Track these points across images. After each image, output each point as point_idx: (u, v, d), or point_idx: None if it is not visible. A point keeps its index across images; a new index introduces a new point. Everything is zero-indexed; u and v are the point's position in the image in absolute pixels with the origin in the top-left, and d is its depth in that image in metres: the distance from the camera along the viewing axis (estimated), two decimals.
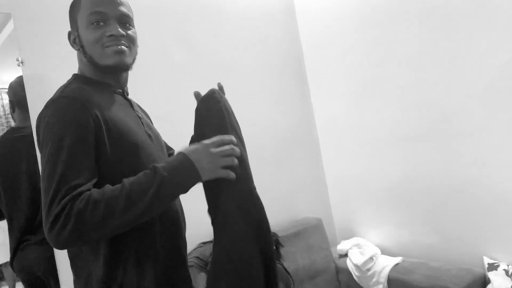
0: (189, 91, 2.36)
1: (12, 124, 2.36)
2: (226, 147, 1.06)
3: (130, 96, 1.29)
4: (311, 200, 2.76)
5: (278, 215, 2.49)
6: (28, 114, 2.12)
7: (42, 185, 0.97)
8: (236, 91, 2.45)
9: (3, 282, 3.74)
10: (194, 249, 2.05)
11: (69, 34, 1.20)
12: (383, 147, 2.44)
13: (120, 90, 1.22)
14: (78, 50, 1.17)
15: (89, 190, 0.95)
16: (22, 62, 1.80)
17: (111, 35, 1.11)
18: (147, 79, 2.13)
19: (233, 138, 1.09)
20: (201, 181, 1.04)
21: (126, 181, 0.98)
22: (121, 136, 1.08)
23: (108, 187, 0.97)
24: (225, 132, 1.12)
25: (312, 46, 2.81)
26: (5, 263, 4.10)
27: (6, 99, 2.27)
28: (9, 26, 2.16)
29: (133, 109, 1.23)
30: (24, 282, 2.15)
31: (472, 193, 2.06)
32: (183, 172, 1.01)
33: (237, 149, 1.08)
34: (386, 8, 2.32)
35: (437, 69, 2.13)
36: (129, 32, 1.16)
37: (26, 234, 2.00)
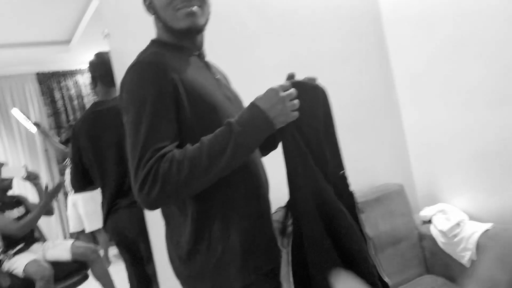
0: (261, 58, 2.33)
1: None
2: (291, 91, 1.09)
3: (207, 59, 1.30)
4: (392, 165, 2.66)
5: (357, 181, 2.39)
6: (110, 88, 2.23)
7: (128, 150, 1.02)
8: (308, 52, 2.44)
9: (98, 246, 4.06)
10: (274, 213, 2.08)
11: None
12: (471, 108, 2.27)
13: (197, 52, 1.24)
14: (153, 14, 1.19)
15: (171, 151, 0.99)
16: (107, 35, 1.87)
17: None
18: (218, 46, 2.14)
19: (290, 83, 1.12)
20: (275, 128, 1.06)
21: (205, 139, 1.01)
22: (200, 98, 1.10)
23: (188, 146, 1.01)
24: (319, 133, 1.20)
25: (391, 2, 2.64)
26: (98, 230, 4.44)
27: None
28: (95, 2, 2.25)
29: (210, 71, 1.24)
30: (117, 244, 2.30)
31: None
32: (257, 123, 1.03)
33: (295, 91, 1.10)
34: None
35: None
36: None
37: (116, 199, 2.13)
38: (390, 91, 2.71)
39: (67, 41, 2.88)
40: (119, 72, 1.83)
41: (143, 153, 0.98)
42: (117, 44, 1.83)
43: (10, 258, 2.92)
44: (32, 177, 3.24)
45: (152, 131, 1.00)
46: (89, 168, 2.20)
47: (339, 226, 1.12)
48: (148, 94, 1.02)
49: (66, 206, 4.36)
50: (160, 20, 1.17)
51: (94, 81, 2.27)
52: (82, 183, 2.27)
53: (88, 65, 2.23)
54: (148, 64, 1.07)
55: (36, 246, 3.19)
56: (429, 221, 2.42)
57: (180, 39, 1.18)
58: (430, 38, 2.41)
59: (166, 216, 1.21)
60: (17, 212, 3.11)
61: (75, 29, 2.70)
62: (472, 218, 2.32)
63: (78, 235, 4.26)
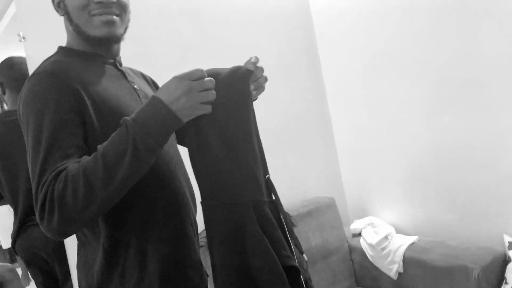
0: (195, 66, 2.25)
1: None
2: (203, 80, 0.89)
3: (135, 68, 1.19)
4: (323, 179, 2.69)
5: (289, 194, 2.41)
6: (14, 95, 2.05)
7: (28, 163, 0.90)
8: (243, 63, 2.38)
9: (16, 264, 3.72)
10: (204, 230, 1.98)
11: None
12: (398, 121, 2.34)
13: (112, 60, 1.11)
14: (62, 15, 1.05)
15: (66, 168, 0.85)
16: (23, 38, 1.71)
17: (99, 2, 0.99)
18: (151, 54, 2.04)
19: (203, 70, 0.91)
20: (182, 122, 0.88)
21: (100, 146, 0.86)
22: (110, 111, 0.97)
23: (84, 158, 0.86)
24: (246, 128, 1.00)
25: (323, 17, 2.69)
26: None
27: None
28: (13, 7, 2.06)
29: (127, 80, 1.11)
30: (28, 265, 2.10)
31: (494, 167, 1.96)
32: (158, 118, 0.86)
33: (210, 81, 0.91)
34: None
35: (459, 37, 1.99)
36: None
37: (28, 215, 1.95)
38: (322, 104, 2.76)
39: None
40: None
41: (41, 175, 0.84)
42: (33, 49, 1.71)
43: None
44: None
45: (51, 150, 0.86)
46: None
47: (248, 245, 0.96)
48: (46, 108, 0.89)
49: None
50: (71, 23, 1.03)
51: (2, 87, 2.06)
52: None
53: None
54: (46, 74, 0.94)
55: None
56: (359, 234, 2.43)
57: (93, 46, 1.05)
58: (361, 51, 2.48)
59: (79, 239, 1.07)
60: None
61: None
62: (398, 231, 2.37)
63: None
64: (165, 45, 2.11)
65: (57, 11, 1.06)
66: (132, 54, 1.34)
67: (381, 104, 2.42)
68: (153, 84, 1.30)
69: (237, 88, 0.99)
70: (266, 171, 1.05)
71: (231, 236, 0.96)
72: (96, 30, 1.01)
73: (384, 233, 2.28)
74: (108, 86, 1.02)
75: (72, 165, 0.84)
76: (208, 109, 0.91)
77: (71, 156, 0.87)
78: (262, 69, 1.05)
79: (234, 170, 0.97)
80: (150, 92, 1.18)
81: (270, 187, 1.03)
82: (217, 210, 0.98)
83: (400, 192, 2.43)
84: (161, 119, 0.86)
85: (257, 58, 1.02)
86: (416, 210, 2.36)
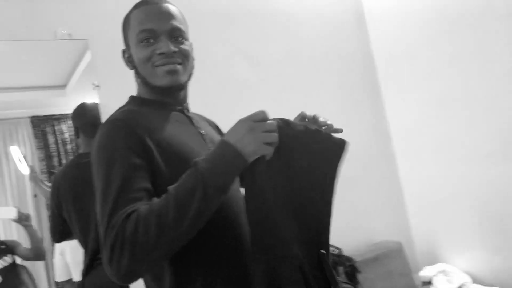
0: (254, 108, 2.29)
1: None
2: (266, 122, 0.91)
3: (194, 110, 1.21)
4: (389, 222, 2.58)
5: (353, 239, 2.32)
6: (93, 139, 2.14)
7: (98, 211, 0.92)
8: (301, 103, 2.38)
9: None
10: None
11: (123, 52, 1.15)
12: (470, 163, 2.20)
13: (179, 107, 1.14)
14: (132, 69, 1.12)
15: (136, 209, 0.87)
16: (97, 86, 1.82)
17: (161, 53, 1.04)
18: (209, 96, 2.09)
19: (266, 112, 0.93)
20: (247, 161, 0.90)
21: (170, 187, 0.88)
22: (178, 157, 0.99)
23: (154, 199, 0.89)
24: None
25: (384, 52, 2.67)
26: (67, 281, 4.19)
27: None
28: (89, 55, 2.23)
29: (194, 126, 1.14)
30: None
31: None
32: (225, 158, 0.89)
33: (271, 124, 0.92)
34: (472, 8, 2.10)
35: None
36: (182, 46, 1.07)
37: (98, 253, 2.01)
38: (386, 143, 2.68)
39: (63, 86, 2.82)
40: None
41: (110, 217, 0.86)
42: (106, 97, 1.87)
43: None
44: (23, 218, 3.06)
45: (120, 193, 0.89)
46: (68, 220, 2.08)
47: None
48: (116, 154, 0.93)
49: (53, 253, 4.16)
50: (139, 76, 1.10)
51: (76, 131, 2.19)
52: (60, 235, 2.15)
53: (71, 116, 2.17)
54: (116, 122, 0.99)
55: None
56: (429, 282, 2.28)
57: (160, 95, 1.10)
58: (426, 90, 2.39)
59: (146, 282, 1.08)
60: (2, 262, 2.92)
61: (71, 74, 2.66)
62: (475, 280, 2.19)
63: (64, 285, 4.05)
64: (222, 86, 2.17)
65: (127, 65, 1.14)
66: (191, 95, 1.38)
67: (451, 143, 2.31)
68: (216, 129, 1.33)
69: (325, 155, 1.06)
70: (321, 245, 1.04)
71: None
72: (159, 80, 1.05)
73: (458, 282, 2.12)
74: (174, 132, 1.04)
75: (143, 206, 0.86)
76: (270, 150, 0.92)
77: (140, 199, 0.89)
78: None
79: (284, 225, 0.97)
80: (215, 136, 1.22)
81: (323, 263, 1.02)
82: (261, 266, 0.96)
83: (474, 236, 2.26)
84: (228, 158, 0.89)
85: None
86: (493, 257, 2.18)
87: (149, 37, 1.05)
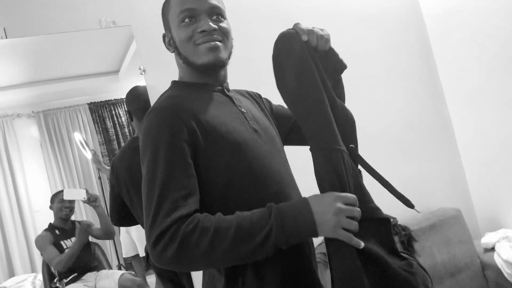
0: None
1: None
2: (355, 208, 0.93)
3: (239, 86, 1.22)
4: (447, 189, 2.50)
5: (408, 208, 2.25)
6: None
7: (143, 200, 0.96)
8: (354, 73, 2.32)
9: (131, 272, 4.01)
10: (319, 244, 1.95)
11: (164, 36, 1.18)
12: None
13: (220, 87, 1.16)
14: (173, 52, 1.15)
15: (196, 211, 0.92)
16: (144, 71, 1.88)
17: (202, 31, 1.06)
18: (257, 73, 2.09)
19: (356, 199, 0.95)
20: (316, 235, 0.93)
21: (239, 214, 0.92)
22: (221, 138, 1.02)
23: (219, 215, 0.92)
24: (309, 78, 1.05)
25: (436, 14, 2.52)
26: (134, 256, 4.40)
27: None
28: (134, 45, 2.30)
29: (235, 105, 1.16)
30: (159, 275, 2.26)
31: None
32: (298, 223, 0.91)
33: (359, 212, 0.94)
34: None
35: None
36: (222, 24, 1.10)
37: None
38: (441, 108, 2.58)
39: (116, 71, 2.93)
40: None
41: (160, 205, 0.90)
42: (152, 80, 1.93)
43: (63, 287, 2.95)
44: (92, 200, 3.24)
45: (167, 180, 0.93)
46: (129, 204, 2.17)
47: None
48: (162, 141, 0.96)
49: (119, 231, 4.39)
50: (180, 57, 1.12)
51: (130, 115, 2.26)
52: (118, 217, 2.27)
53: (124, 100, 2.23)
54: (162, 110, 1.02)
55: (89, 275, 3.21)
56: (492, 249, 2.19)
57: (202, 75, 1.13)
58: (481, 52, 2.28)
59: None
60: (72, 241, 3.14)
61: (122, 60, 2.75)
62: None
63: (131, 260, 4.27)
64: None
65: (168, 49, 1.16)
66: (240, 74, 1.39)
67: (508, 103, 2.15)
68: (261, 100, 1.34)
69: (287, 50, 1.08)
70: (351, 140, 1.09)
71: (335, 180, 0.99)
72: (202, 57, 1.07)
73: None
74: (216, 113, 1.07)
75: (205, 216, 0.91)
76: (346, 236, 0.93)
77: (185, 188, 0.93)
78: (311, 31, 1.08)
79: (325, 119, 1.05)
80: (257, 113, 1.22)
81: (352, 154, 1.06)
82: (319, 154, 1.03)
83: None
84: (301, 223, 0.91)
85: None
86: None
87: (190, 16, 1.07)
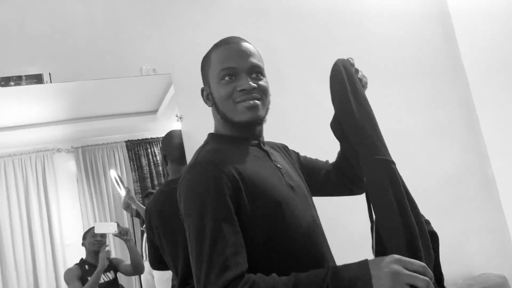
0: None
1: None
2: (419, 276, 0.84)
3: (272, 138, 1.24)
4: (491, 253, 2.36)
5: (448, 271, 2.09)
6: (180, 166, 2.22)
7: (192, 257, 0.96)
8: (390, 124, 2.25)
9: None
10: None
11: (202, 90, 1.20)
12: None
13: (256, 142, 1.17)
14: (211, 106, 1.17)
15: (250, 274, 0.91)
16: (180, 118, 1.89)
17: (242, 90, 1.08)
18: (289, 125, 2.05)
19: (428, 270, 0.87)
20: None
21: (295, 275, 0.90)
22: (262, 195, 1.03)
23: (274, 276, 0.91)
24: (344, 97, 1.15)
25: (478, 69, 2.48)
26: None
27: None
28: (172, 90, 2.35)
29: (272, 160, 1.16)
30: None
31: None
32: (355, 284, 0.86)
33: (424, 282, 0.84)
34: None
35: None
36: (260, 83, 1.11)
37: (187, 280, 2.04)
38: (484, 164, 2.46)
39: (154, 111, 2.97)
40: (189, 152, 1.98)
41: (211, 263, 0.90)
42: (188, 126, 1.98)
43: None
44: (123, 233, 3.22)
45: (216, 236, 0.93)
46: (160, 247, 2.14)
47: None
48: (209, 197, 0.96)
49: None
50: (218, 112, 1.14)
51: (165, 159, 2.29)
52: (154, 262, 2.30)
53: (160, 144, 2.25)
54: (206, 164, 1.02)
55: None
56: None
57: (238, 130, 1.14)
58: None
59: None
60: (104, 277, 3.09)
61: (161, 100, 2.79)
62: None
63: None
64: (304, 114, 2.11)
65: (206, 103, 1.18)
66: (272, 126, 1.37)
67: None
68: (287, 153, 1.34)
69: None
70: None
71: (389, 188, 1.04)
72: (240, 115, 1.09)
73: None
74: (256, 168, 1.07)
75: (261, 277, 0.90)
76: None
77: (234, 245, 0.92)
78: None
79: (380, 132, 1.14)
80: (289, 168, 1.22)
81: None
82: (377, 162, 1.08)
83: None
84: (358, 285, 0.87)
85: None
86: None
87: (230, 74, 1.09)
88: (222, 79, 1.09)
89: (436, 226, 2.13)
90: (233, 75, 1.09)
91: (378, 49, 2.41)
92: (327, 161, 1.40)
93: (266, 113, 1.14)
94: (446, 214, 2.29)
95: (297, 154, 1.38)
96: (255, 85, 1.08)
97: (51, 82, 2.04)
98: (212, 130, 1.20)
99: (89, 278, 3.01)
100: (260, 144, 1.17)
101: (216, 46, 1.15)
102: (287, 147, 1.36)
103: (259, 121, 1.12)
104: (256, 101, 1.09)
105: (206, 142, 1.16)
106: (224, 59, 1.10)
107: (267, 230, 0.99)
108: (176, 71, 2.05)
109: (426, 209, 2.22)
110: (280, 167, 1.15)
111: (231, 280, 0.87)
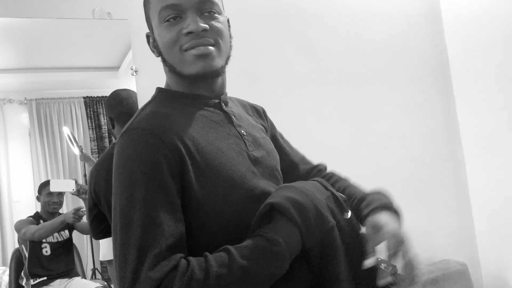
0: (311, 102, 2.09)
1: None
2: None
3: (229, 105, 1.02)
4: (453, 239, 2.34)
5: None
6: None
7: (114, 245, 0.78)
8: (365, 102, 2.24)
9: (105, 283, 3.73)
10: None
11: (148, 37, 0.97)
12: None
13: (216, 101, 0.96)
14: (158, 57, 0.95)
15: (185, 262, 0.73)
16: (136, 71, 1.68)
17: (189, 32, 0.86)
18: (265, 89, 1.90)
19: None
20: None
21: (235, 252, 0.75)
22: (214, 172, 0.83)
23: (210, 259, 0.74)
24: None
25: (459, 49, 2.40)
26: (110, 260, 4.18)
27: None
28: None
29: (234, 125, 0.96)
30: None
31: None
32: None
33: None
34: None
35: None
36: (213, 22, 0.89)
37: None
38: (455, 148, 2.43)
39: (116, 67, 2.74)
40: None
41: (140, 258, 0.71)
42: (144, 82, 1.83)
43: None
44: (82, 191, 3.02)
45: (148, 225, 0.73)
46: (107, 215, 1.96)
47: None
48: (141, 173, 0.77)
49: None
50: (166, 64, 0.92)
51: (111, 121, 2.06)
52: (96, 231, 2.16)
53: (104, 106, 2.05)
54: (142, 133, 0.80)
55: (58, 282, 2.96)
56: None
57: (192, 85, 0.92)
58: (505, 93, 2.14)
59: None
60: (58, 236, 2.89)
61: (123, 57, 2.55)
62: None
63: (107, 264, 4.08)
64: (280, 80, 2.00)
65: (153, 52, 0.96)
66: (246, 89, 1.20)
67: None
68: (265, 118, 1.15)
69: None
70: None
71: None
72: (189, 67, 0.88)
73: None
74: (211, 138, 0.88)
75: (196, 263, 0.73)
76: None
77: (171, 236, 0.74)
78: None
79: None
80: (259, 134, 1.03)
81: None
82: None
83: None
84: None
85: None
86: None
87: (173, 14, 0.87)
88: (164, 21, 0.88)
89: (403, 207, 2.06)
90: (178, 15, 0.87)
91: (366, 48, 2.28)
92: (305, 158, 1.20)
93: (225, 62, 0.93)
94: (413, 198, 2.22)
95: (274, 128, 1.17)
96: (206, 25, 0.86)
97: None
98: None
99: None
100: (220, 104, 0.96)
101: None
102: (264, 110, 1.16)
103: (215, 72, 0.90)
104: (209, 47, 0.87)
105: (150, 101, 0.95)
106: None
107: (218, 217, 0.82)
108: (134, 18, 1.82)
109: (396, 189, 2.14)
110: (244, 133, 0.95)
111: (164, 276, 0.70)
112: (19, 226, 2.81)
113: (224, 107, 0.96)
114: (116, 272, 0.75)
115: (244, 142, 0.93)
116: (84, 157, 3.34)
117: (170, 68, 0.90)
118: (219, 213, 0.82)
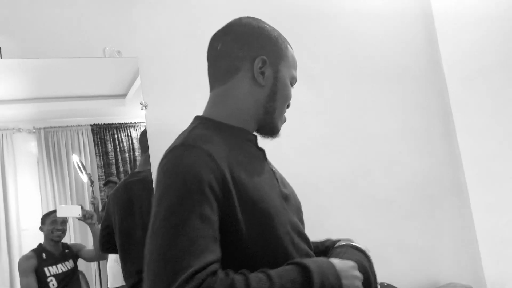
0: (311, 131, 2.11)
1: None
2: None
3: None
4: (458, 262, 2.33)
5: (414, 280, 2.06)
6: (146, 158, 2.19)
7: (151, 251, 0.77)
8: (363, 127, 2.26)
9: None
10: None
11: (263, 61, 0.99)
12: None
13: (254, 136, 1.03)
14: (262, 86, 0.98)
15: (224, 273, 0.75)
16: (145, 106, 1.75)
17: (288, 106, 1.08)
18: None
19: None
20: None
21: (274, 274, 0.77)
22: (253, 204, 0.86)
23: (252, 278, 0.76)
24: None
25: (458, 76, 2.43)
26: (120, 287, 4.17)
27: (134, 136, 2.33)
28: (139, 80, 2.27)
29: (267, 161, 1.03)
30: None
31: None
32: (331, 277, 0.81)
33: None
34: None
35: None
36: None
37: (141, 274, 1.95)
38: (457, 173, 2.45)
39: (123, 95, 2.80)
40: (153, 143, 1.92)
41: (175, 273, 0.70)
42: (153, 115, 1.84)
43: None
44: (88, 217, 3.01)
45: (192, 240, 0.74)
46: (115, 235, 2.23)
47: None
48: (189, 189, 0.78)
49: (107, 260, 4.19)
50: (267, 105, 0.99)
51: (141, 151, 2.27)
52: (104, 246, 2.34)
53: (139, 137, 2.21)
54: (192, 149, 0.83)
55: None
56: None
57: (243, 120, 0.98)
58: (504, 118, 2.18)
59: None
60: (62, 267, 2.87)
61: (131, 84, 2.62)
62: None
63: None
64: None
65: (257, 77, 0.98)
66: None
67: None
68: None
69: None
70: None
71: None
72: (279, 125, 1.04)
73: None
74: (252, 171, 0.91)
75: (237, 279, 0.74)
76: None
77: (212, 254, 0.75)
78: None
79: None
80: (281, 175, 1.09)
81: None
82: None
83: None
84: (333, 278, 0.82)
85: None
86: None
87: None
88: (291, 84, 1.05)
89: (405, 234, 2.08)
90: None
91: (357, 48, 2.33)
92: None
93: None
94: (416, 222, 2.25)
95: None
96: None
97: (1, 58, 1.90)
98: (185, 118, 1.02)
99: (45, 269, 2.81)
100: (256, 140, 1.03)
101: (287, 42, 1.05)
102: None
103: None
104: None
105: (195, 126, 0.95)
106: (294, 67, 1.06)
107: (255, 244, 0.85)
108: (143, 55, 1.93)
109: (398, 215, 2.17)
110: (274, 171, 1.02)
111: (203, 279, 0.70)
112: (21, 271, 2.77)
113: (258, 144, 1.03)
114: (149, 274, 0.75)
115: (276, 179, 0.98)
116: (92, 186, 3.39)
117: (268, 109, 0.99)
118: (255, 237, 0.85)
